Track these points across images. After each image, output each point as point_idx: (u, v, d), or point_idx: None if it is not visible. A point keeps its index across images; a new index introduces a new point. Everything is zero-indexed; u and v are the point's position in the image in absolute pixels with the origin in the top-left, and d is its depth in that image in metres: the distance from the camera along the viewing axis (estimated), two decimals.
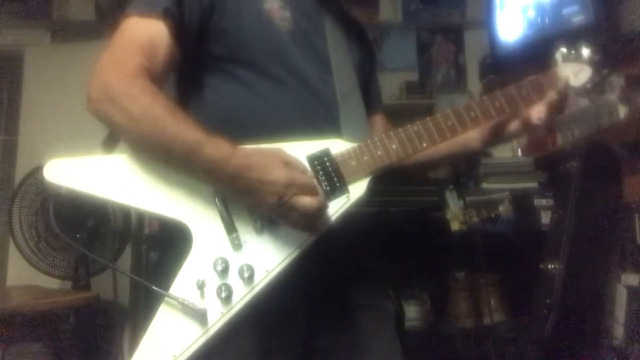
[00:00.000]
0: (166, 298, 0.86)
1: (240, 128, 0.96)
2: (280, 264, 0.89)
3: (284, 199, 0.85)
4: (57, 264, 2.58)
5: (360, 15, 3.30)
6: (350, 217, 0.95)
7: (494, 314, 2.52)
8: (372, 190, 0.97)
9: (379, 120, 1.24)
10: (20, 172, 2.95)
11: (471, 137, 1.13)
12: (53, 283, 2.63)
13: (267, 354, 0.94)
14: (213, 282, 0.87)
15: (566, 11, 2.41)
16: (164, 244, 1.01)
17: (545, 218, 2.41)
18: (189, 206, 0.91)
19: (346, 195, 0.94)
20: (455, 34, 3.70)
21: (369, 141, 0.98)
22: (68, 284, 2.61)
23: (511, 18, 2.81)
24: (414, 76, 3.63)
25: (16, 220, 2.54)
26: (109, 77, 0.89)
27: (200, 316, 0.85)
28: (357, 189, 0.95)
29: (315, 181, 0.91)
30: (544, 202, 2.50)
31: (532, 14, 2.66)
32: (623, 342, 1.85)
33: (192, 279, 0.87)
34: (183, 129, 0.86)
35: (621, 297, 1.90)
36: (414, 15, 3.67)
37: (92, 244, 2.52)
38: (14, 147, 3.38)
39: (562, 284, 1.89)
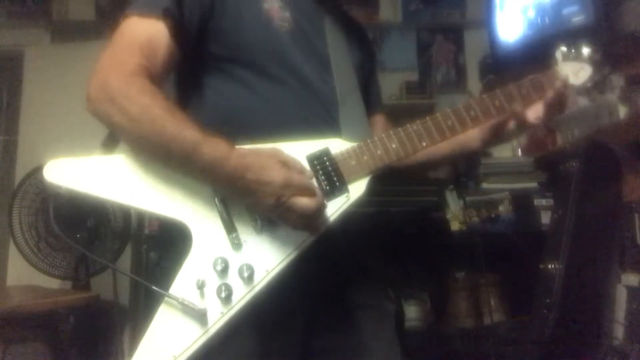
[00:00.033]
0: (166, 298, 0.86)
1: (240, 128, 0.96)
2: (280, 263, 0.89)
3: (282, 199, 0.85)
4: (57, 264, 2.58)
5: (360, 15, 3.31)
6: (350, 217, 0.94)
7: (494, 314, 2.52)
8: (372, 190, 0.97)
9: (379, 120, 1.24)
10: (20, 172, 2.95)
11: (471, 136, 1.13)
12: (53, 283, 2.64)
13: (266, 354, 0.94)
14: (213, 282, 0.87)
15: (566, 11, 2.40)
16: (164, 244, 1.01)
17: (545, 218, 2.41)
18: (188, 206, 0.91)
19: (346, 194, 0.94)
20: (455, 34, 3.70)
21: (368, 141, 0.98)
22: (68, 284, 2.61)
23: (511, 18, 2.81)
24: (414, 76, 3.62)
25: (16, 220, 2.54)
26: (109, 77, 0.89)
27: (200, 316, 0.85)
28: (357, 189, 0.95)
29: (313, 181, 0.91)
30: (544, 202, 2.50)
31: (532, 14, 2.66)
32: (623, 342, 1.84)
33: (192, 279, 0.87)
34: (182, 130, 0.86)
35: (621, 297, 1.90)
36: (414, 15, 3.66)
37: (92, 244, 2.52)
38: (14, 147, 3.37)
39: (562, 284, 1.90)
